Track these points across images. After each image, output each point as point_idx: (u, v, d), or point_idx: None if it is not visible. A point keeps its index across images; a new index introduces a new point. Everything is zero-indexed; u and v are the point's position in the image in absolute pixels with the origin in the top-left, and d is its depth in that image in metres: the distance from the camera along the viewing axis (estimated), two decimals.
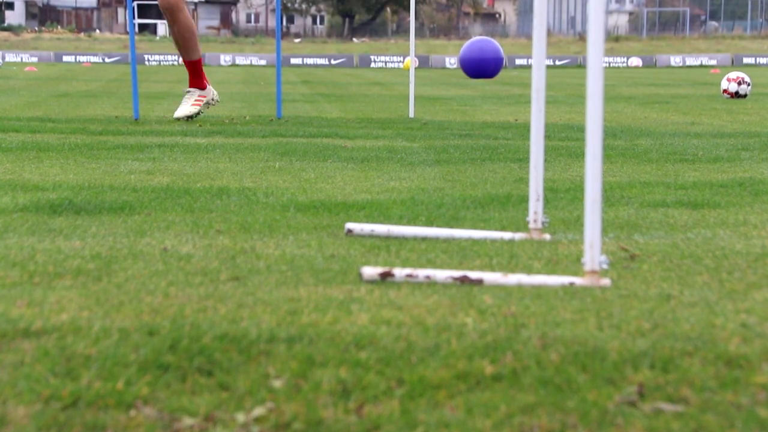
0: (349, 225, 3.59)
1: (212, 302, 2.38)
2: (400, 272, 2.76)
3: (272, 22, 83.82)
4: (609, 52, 53.79)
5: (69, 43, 62.15)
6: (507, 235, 3.52)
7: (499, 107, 13.16)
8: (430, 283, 2.71)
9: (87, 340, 2.04)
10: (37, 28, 73.15)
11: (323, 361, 1.98)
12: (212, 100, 9.48)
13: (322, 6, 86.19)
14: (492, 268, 2.91)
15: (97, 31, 74.43)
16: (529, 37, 66.16)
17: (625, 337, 2.12)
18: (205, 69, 9.80)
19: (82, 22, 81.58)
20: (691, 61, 50.54)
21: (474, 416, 1.82)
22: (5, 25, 73.89)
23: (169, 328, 2.11)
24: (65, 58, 48.98)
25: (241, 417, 1.82)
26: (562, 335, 2.11)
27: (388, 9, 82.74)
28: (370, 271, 2.75)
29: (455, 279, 2.73)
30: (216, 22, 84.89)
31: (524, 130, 8.74)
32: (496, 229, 3.66)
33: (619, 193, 4.69)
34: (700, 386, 1.92)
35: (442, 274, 2.75)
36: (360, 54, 52.72)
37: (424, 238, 3.48)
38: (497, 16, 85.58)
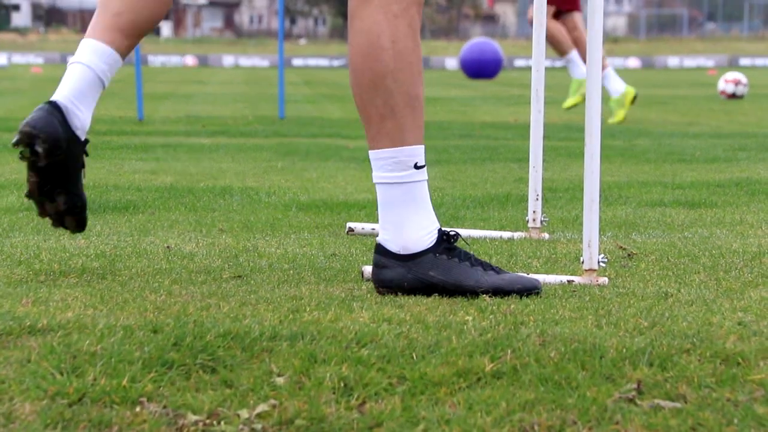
0: (351, 224, 3.61)
1: (215, 300, 2.40)
2: None
3: (275, 24, 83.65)
4: (608, 53, 53.64)
5: (74, 44, 61.93)
6: (506, 234, 3.54)
7: (498, 108, 13.17)
8: None
9: (92, 337, 2.06)
10: (43, 30, 73.04)
11: (325, 358, 2.00)
12: None
13: (324, 7, 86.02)
14: None
15: None
16: (528, 38, 66.00)
17: (623, 335, 2.14)
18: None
19: (87, 23, 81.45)
20: (688, 62, 50.48)
21: (474, 413, 1.83)
22: (11, 26, 73.79)
23: (173, 325, 2.12)
24: (70, 60, 48.97)
25: (244, 413, 1.83)
26: (561, 333, 2.13)
27: None
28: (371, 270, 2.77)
29: None
30: (219, 24, 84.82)
31: (524, 130, 8.75)
32: (495, 229, 3.68)
33: (618, 193, 4.71)
34: (698, 383, 1.94)
35: None
36: None
37: None
38: (495, 17, 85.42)
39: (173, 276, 2.74)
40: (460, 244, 2.80)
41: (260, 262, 2.97)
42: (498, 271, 2.54)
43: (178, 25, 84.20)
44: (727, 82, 15.01)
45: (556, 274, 2.83)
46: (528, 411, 1.84)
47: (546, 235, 3.52)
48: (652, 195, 4.67)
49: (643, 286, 2.67)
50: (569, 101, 10.00)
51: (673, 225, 3.83)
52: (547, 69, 3.96)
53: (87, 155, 2.71)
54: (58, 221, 2.67)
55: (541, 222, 3.52)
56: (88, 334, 2.08)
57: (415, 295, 2.53)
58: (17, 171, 5.30)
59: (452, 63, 45.98)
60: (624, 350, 2.04)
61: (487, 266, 2.53)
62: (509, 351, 2.03)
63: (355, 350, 2.03)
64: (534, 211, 3.50)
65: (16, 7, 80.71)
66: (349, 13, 2.55)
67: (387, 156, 2.50)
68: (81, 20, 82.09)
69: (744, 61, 49.38)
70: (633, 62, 49.17)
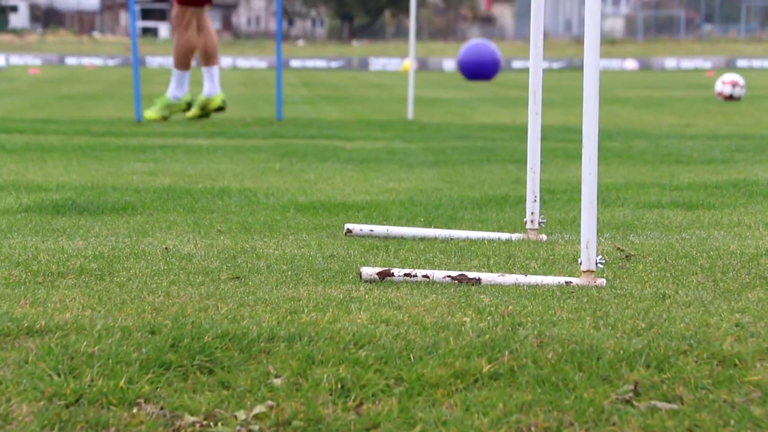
0: (349, 225, 3.62)
1: (213, 301, 2.40)
2: (398, 272, 2.78)
3: (273, 25, 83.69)
4: (605, 55, 53.72)
5: (72, 45, 62.10)
6: (504, 235, 3.54)
7: (496, 109, 13.17)
8: (429, 283, 2.73)
9: (90, 338, 2.06)
10: (40, 31, 73.05)
11: (323, 359, 2.01)
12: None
13: (321, 9, 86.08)
14: (489, 268, 2.94)
15: (94, 33, 74.31)
16: (526, 39, 66.02)
17: (620, 336, 2.14)
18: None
19: (84, 24, 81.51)
20: (686, 63, 50.51)
21: (471, 414, 1.84)
22: (9, 27, 73.78)
23: (171, 326, 2.13)
24: (68, 61, 48.95)
25: (241, 414, 1.84)
26: (558, 334, 2.13)
27: (387, 12, 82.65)
28: (369, 271, 2.77)
29: (453, 279, 2.75)
30: (217, 25, 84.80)
31: (521, 131, 8.75)
32: (493, 230, 3.68)
33: (615, 194, 4.71)
34: (695, 385, 1.94)
35: (440, 274, 2.77)
36: (359, 56, 52.68)
37: (422, 239, 3.50)
38: (493, 19, 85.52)
39: (171, 277, 2.74)
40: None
41: (258, 263, 2.98)
42: None
43: None
44: (724, 83, 15.02)
45: (554, 275, 2.83)
46: (525, 412, 1.85)
47: (544, 237, 3.53)
48: (649, 196, 4.67)
49: (641, 287, 2.67)
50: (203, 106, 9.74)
51: (670, 226, 3.83)
52: (544, 71, 3.96)
53: None
54: None
55: (539, 223, 3.52)
56: (86, 335, 2.08)
57: (412, 297, 2.53)
58: (15, 172, 5.30)
59: (450, 64, 46.00)
60: (621, 351, 2.04)
61: None
62: (507, 352, 2.04)
63: (352, 351, 2.04)
64: (532, 213, 3.50)
65: (14, 8, 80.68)
66: None
67: None
68: (79, 21, 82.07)
69: (741, 63, 49.42)
70: (630, 64, 49.20)
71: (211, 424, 1.82)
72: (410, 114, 10.87)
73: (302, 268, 2.90)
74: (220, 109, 9.73)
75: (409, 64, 11.61)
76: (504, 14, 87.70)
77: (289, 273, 2.82)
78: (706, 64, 49.73)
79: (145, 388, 1.89)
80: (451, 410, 1.85)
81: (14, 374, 1.93)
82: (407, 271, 2.79)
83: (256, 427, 1.81)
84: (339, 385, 1.92)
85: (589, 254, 2.70)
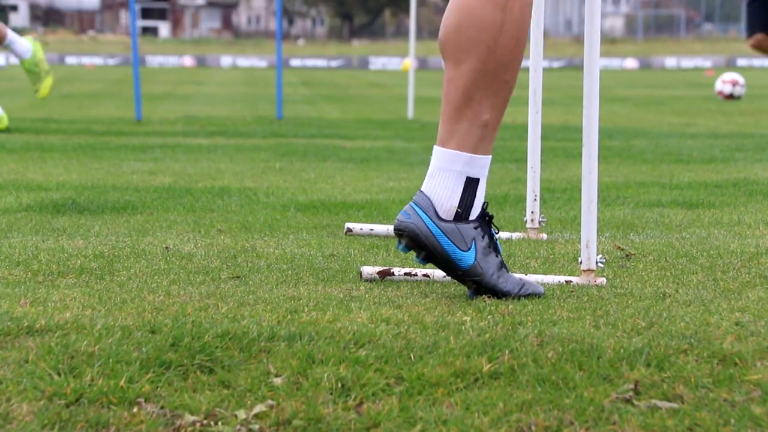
0: (349, 224, 3.62)
1: (213, 301, 2.40)
2: (399, 271, 2.78)
3: (273, 24, 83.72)
4: (605, 54, 53.75)
5: (72, 45, 62.15)
6: (505, 234, 3.54)
7: None
8: (429, 282, 2.74)
9: (90, 337, 2.07)
10: (40, 30, 73.09)
11: (323, 358, 2.01)
12: None
13: (322, 8, 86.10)
14: None
15: (91, 32, 74.30)
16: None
17: (620, 335, 2.14)
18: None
19: (85, 24, 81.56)
20: (686, 63, 50.54)
21: (472, 413, 1.84)
22: (9, 27, 73.84)
23: (171, 326, 2.13)
24: (68, 60, 48.99)
25: (242, 414, 1.84)
26: (558, 333, 2.13)
27: (387, 11, 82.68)
28: (370, 270, 2.78)
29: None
30: (217, 24, 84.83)
31: (521, 130, 8.76)
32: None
33: (615, 193, 4.71)
34: (695, 384, 1.94)
35: (440, 273, 2.77)
36: (359, 56, 52.70)
37: None
38: None
39: (171, 276, 2.74)
40: None
41: (258, 262, 2.98)
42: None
43: (176, 25, 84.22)
44: (724, 82, 15.03)
45: (554, 274, 2.84)
46: (525, 411, 1.85)
47: (544, 236, 3.53)
48: (649, 195, 4.68)
49: (641, 286, 2.67)
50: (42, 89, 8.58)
51: (670, 225, 3.83)
52: (544, 70, 3.96)
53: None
54: None
55: (539, 222, 3.52)
56: (86, 335, 2.08)
57: (412, 296, 2.53)
58: (15, 171, 5.30)
59: None
60: (621, 351, 2.04)
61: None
62: (507, 351, 2.04)
63: (353, 351, 2.04)
64: (532, 212, 3.50)
65: (14, 8, 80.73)
66: None
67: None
68: (79, 21, 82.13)
69: (741, 62, 49.45)
70: (630, 63, 49.22)
71: (212, 423, 1.82)
72: (410, 113, 10.88)
73: (302, 267, 2.90)
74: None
75: (409, 63, 11.62)
76: None
77: (290, 272, 2.82)
78: (706, 63, 49.77)
79: (146, 388, 1.89)
80: (451, 409, 1.86)
81: (14, 374, 1.93)
82: (408, 270, 2.79)
83: (257, 427, 1.81)
84: (339, 385, 1.92)
85: (589, 253, 2.70)
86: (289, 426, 1.81)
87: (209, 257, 3.05)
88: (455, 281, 2.71)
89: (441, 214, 2.45)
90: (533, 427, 1.80)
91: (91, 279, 2.70)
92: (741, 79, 15.10)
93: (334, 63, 49.51)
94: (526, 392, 1.90)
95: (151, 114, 10.64)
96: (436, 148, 2.49)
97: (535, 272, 2.87)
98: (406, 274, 2.77)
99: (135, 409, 1.84)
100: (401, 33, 75.90)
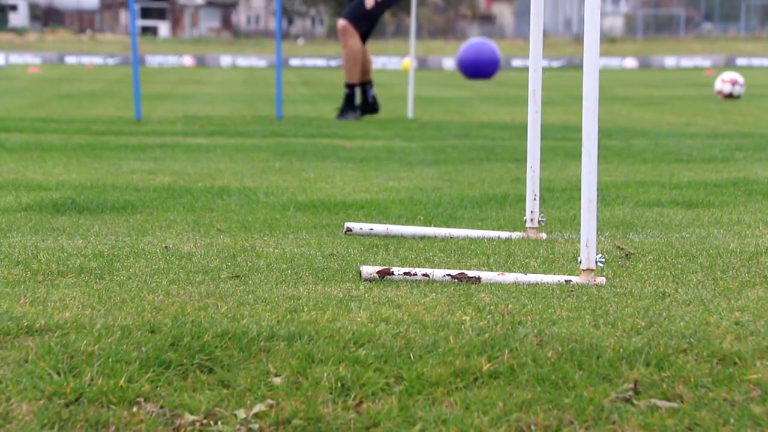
0: (348, 224, 3.62)
1: (213, 300, 2.40)
2: (398, 271, 2.78)
3: (272, 24, 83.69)
4: (604, 54, 53.74)
5: (72, 44, 62.12)
6: (504, 234, 3.54)
7: (496, 108, 13.18)
8: (428, 282, 2.74)
9: (89, 337, 2.07)
10: (40, 30, 73.06)
11: (323, 358, 2.01)
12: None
13: (321, 8, 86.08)
14: (489, 267, 2.94)
15: (89, 32, 74.31)
16: (525, 38, 66.09)
17: (620, 335, 2.14)
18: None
19: (84, 23, 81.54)
20: (685, 62, 50.53)
21: (471, 413, 1.84)
22: (9, 26, 73.81)
23: (171, 325, 2.13)
24: (68, 60, 48.99)
25: (241, 413, 1.84)
26: (558, 333, 2.13)
27: (387, 11, 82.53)
28: (369, 270, 2.78)
29: (453, 277, 2.75)
30: (217, 24, 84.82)
31: (521, 130, 8.75)
32: (493, 228, 3.68)
33: (615, 193, 4.71)
34: (695, 383, 1.94)
35: (440, 273, 2.77)
36: None
37: (422, 237, 3.50)
38: (492, 17, 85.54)
39: (171, 276, 2.74)
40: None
41: (258, 262, 2.98)
42: None
43: (175, 25, 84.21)
44: (724, 82, 15.02)
45: (554, 273, 2.84)
46: (525, 411, 1.85)
47: (544, 235, 3.53)
48: (649, 195, 4.68)
49: (641, 285, 2.67)
50: None
51: (670, 225, 3.83)
52: (544, 69, 3.96)
53: None
54: None
55: (539, 222, 3.52)
56: (86, 334, 2.08)
57: (412, 295, 2.53)
58: (15, 171, 5.30)
59: (449, 63, 46.00)
60: (621, 350, 2.04)
61: None
62: (506, 351, 2.04)
63: (352, 350, 2.04)
64: (532, 211, 3.50)
65: (14, 7, 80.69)
66: None
67: None
68: (78, 20, 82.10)
69: (741, 61, 49.43)
70: (630, 62, 49.22)
71: (211, 422, 1.82)
72: (410, 112, 10.88)
73: (302, 266, 2.90)
74: None
75: (408, 62, 11.61)
76: (504, 13, 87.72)
77: (289, 272, 2.82)
78: (706, 63, 49.75)
79: (145, 387, 1.89)
80: (450, 409, 1.86)
81: (14, 373, 1.93)
82: (407, 269, 2.79)
83: (256, 426, 1.81)
84: (339, 384, 1.92)
85: (588, 253, 2.70)
86: (289, 425, 1.81)
87: (209, 257, 3.05)
88: (455, 281, 2.71)
89: None
90: (533, 427, 1.81)
91: (91, 278, 2.70)
92: (740, 79, 15.09)
93: (333, 62, 49.49)
94: (525, 392, 1.90)
95: (151, 114, 10.63)
96: None
97: (534, 271, 2.87)
98: (405, 273, 2.77)
99: (135, 409, 1.84)
100: (401, 32, 75.88)
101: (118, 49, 57.64)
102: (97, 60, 48.87)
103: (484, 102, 14.72)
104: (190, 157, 6.34)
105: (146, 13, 80.00)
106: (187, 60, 49.14)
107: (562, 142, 7.75)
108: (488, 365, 1.99)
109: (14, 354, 2.01)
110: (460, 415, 1.83)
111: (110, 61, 48.91)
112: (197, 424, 1.81)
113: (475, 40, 27.13)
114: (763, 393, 1.91)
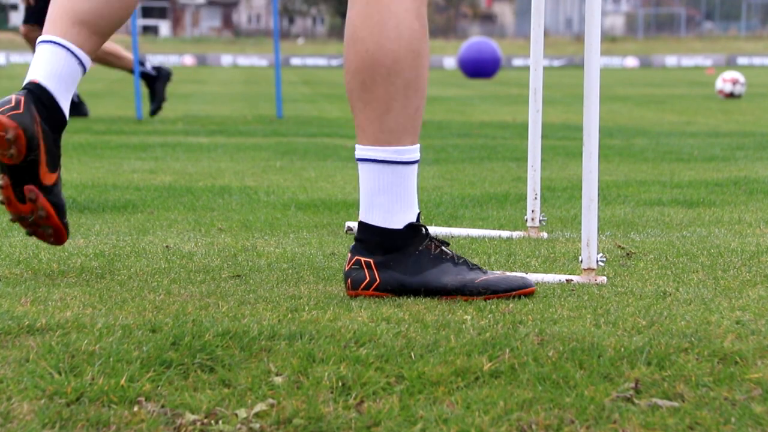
0: (350, 223, 3.62)
1: (214, 299, 2.40)
2: None
3: (273, 23, 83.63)
4: (605, 53, 53.74)
5: None
6: (505, 233, 3.54)
7: (497, 107, 13.18)
8: None
9: (90, 336, 2.07)
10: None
11: (324, 357, 2.01)
12: None
13: (322, 7, 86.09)
14: (490, 266, 2.94)
15: None
16: (526, 37, 66.03)
17: (621, 334, 2.14)
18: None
19: None
20: (686, 61, 50.52)
21: (472, 412, 1.84)
22: (10, 26, 73.82)
23: (172, 325, 2.13)
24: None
25: (242, 413, 1.84)
26: (559, 332, 2.13)
27: None
28: None
29: None
30: (218, 23, 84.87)
31: (522, 129, 8.76)
32: (494, 228, 3.68)
33: (616, 192, 4.71)
34: (696, 382, 1.94)
35: None
36: None
37: None
38: (493, 17, 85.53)
39: (172, 275, 2.74)
40: None
41: (259, 261, 2.98)
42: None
43: (176, 24, 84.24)
44: (724, 81, 15.03)
45: (555, 273, 2.84)
46: (526, 410, 1.85)
47: (544, 234, 3.53)
48: (650, 194, 4.68)
49: (642, 285, 2.67)
50: None
51: (671, 224, 3.83)
52: (545, 68, 3.96)
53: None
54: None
55: (540, 221, 3.52)
56: (87, 334, 2.08)
57: (413, 295, 2.53)
58: None
59: (450, 62, 45.99)
60: (622, 349, 2.04)
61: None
62: (507, 350, 2.04)
63: (353, 349, 2.04)
64: (533, 210, 3.51)
65: (14, 7, 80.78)
66: None
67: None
68: None
69: (742, 60, 49.43)
70: (631, 61, 49.23)
71: (212, 422, 1.82)
72: None
73: (303, 266, 2.90)
74: None
75: None
76: (504, 12, 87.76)
77: (290, 271, 2.82)
78: (707, 62, 49.74)
79: (146, 387, 1.89)
80: (451, 408, 1.86)
81: (15, 373, 1.93)
82: None
83: (257, 426, 1.81)
84: (340, 383, 1.92)
85: (589, 252, 2.70)
86: (290, 425, 1.81)
87: (210, 256, 3.05)
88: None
89: None
90: (534, 426, 1.81)
91: (92, 278, 2.70)
92: (741, 78, 15.10)
93: (334, 62, 49.49)
94: (526, 391, 1.90)
95: None
96: None
97: (535, 271, 2.87)
98: None
99: (135, 408, 1.84)
100: None
101: None
102: None
103: (484, 101, 14.72)
104: (191, 157, 6.34)
105: (147, 12, 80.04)
106: (188, 59, 49.17)
107: (563, 141, 7.75)
108: (489, 364, 1.99)
109: (15, 353, 2.01)
110: (461, 414, 1.83)
111: None
112: (198, 423, 1.81)
113: (476, 39, 27.15)
114: (764, 392, 1.91)
